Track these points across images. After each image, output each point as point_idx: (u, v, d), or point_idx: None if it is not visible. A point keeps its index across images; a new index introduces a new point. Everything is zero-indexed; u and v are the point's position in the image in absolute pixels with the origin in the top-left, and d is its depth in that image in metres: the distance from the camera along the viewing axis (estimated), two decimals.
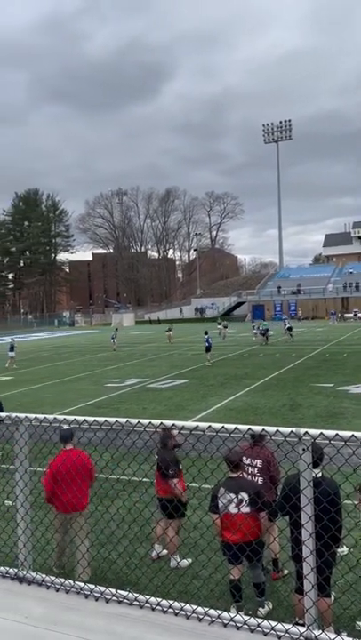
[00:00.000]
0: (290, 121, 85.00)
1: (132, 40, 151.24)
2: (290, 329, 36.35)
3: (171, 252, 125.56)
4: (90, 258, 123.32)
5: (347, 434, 2.83)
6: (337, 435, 2.85)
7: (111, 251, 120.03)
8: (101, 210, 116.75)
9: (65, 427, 4.58)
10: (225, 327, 40.95)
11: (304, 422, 12.77)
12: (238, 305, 73.70)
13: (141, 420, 3.32)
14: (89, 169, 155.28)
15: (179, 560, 5.77)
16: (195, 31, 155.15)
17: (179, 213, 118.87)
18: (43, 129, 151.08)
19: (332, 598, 4.59)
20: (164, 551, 6.16)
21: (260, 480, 5.69)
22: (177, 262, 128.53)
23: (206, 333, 26.35)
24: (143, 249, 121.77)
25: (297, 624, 3.19)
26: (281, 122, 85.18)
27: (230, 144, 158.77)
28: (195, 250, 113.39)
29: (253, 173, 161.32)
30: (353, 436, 2.81)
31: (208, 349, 25.23)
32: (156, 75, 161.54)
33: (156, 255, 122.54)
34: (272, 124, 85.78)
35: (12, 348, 27.60)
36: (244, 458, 5.83)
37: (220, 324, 46.18)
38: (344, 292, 66.25)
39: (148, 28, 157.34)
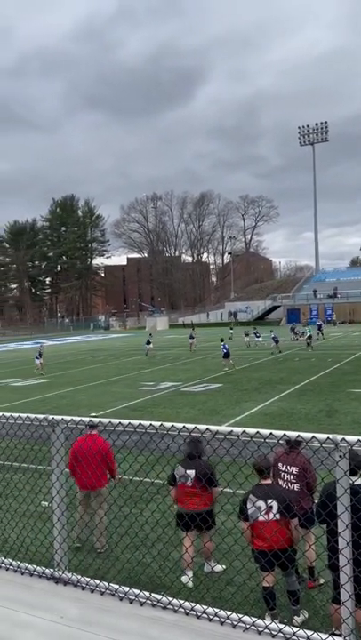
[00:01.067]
0: (326, 123, 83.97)
1: (166, 45, 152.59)
2: (310, 337, 33.03)
3: (205, 255, 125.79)
4: (125, 262, 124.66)
5: None
6: None
7: (146, 255, 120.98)
8: (136, 215, 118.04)
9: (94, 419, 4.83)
10: (257, 336, 35.52)
11: (341, 429, 12.52)
12: (273, 309, 73.03)
13: (175, 424, 3.33)
14: (124, 174, 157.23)
15: (213, 565, 5.72)
16: (228, 34, 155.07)
17: (213, 217, 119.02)
18: (78, 136, 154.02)
19: None
20: (218, 567, 5.82)
21: (295, 487, 5.60)
22: (211, 266, 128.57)
23: (222, 340, 26.36)
24: (177, 253, 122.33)
25: (333, 634, 3.12)
26: (317, 124, 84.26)
27: (265, 147, 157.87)
28: (229, 253, 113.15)
29: (288, 176, 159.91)
30: None
31: (226, 356, 25.05)
32: (189, 79, 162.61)
33: (190, 259, 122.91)
34: (308, 126, 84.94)
35: (39, 355, 27.10)
36: (279, 464, 5.77)
37: (231, 328, 46.39)
38: None
39: (181, 32, 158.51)
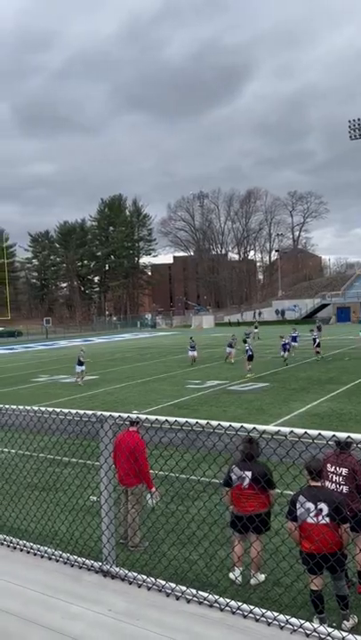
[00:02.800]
0: None
1: (210, 43, 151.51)
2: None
3: (251, 253, 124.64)
4: (171, 261, 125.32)
5: None
6: None
7: (192, 253, 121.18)
8: (183, 213, 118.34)
9: (137, 416, 4.76)
10: (319, 329, 32.10)
11: None
12: (322, 307, 71.55)
13: (222, 423, 3.32)
14: (169, 173, 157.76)
15: (261, 579, 5.62)
16: (273, 29, 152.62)
17: (260, 214, 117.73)
18: (123, 136, 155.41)
19: None
20: (260, 576, 5.62)
21: (345, 489, 5.47)
22: (258, 264, 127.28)
23: (245, 342, 23.92)
24: (223, 251, 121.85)
25: None
26: None
27: (312, 142, 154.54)
28: (276, 251, 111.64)
29: (338, 171, 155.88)
30: None
31: (250, 358, 22.77)
32: (234, 76, 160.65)
33: (236, 257, 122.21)
34: (358, 119, 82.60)
35: (80, 363, 22.11)
36: (328, 465, 5.64)
37: (256, 327, 44.05)
38: None
39: (225, 29, 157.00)
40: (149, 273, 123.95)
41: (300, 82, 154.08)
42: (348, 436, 3.09)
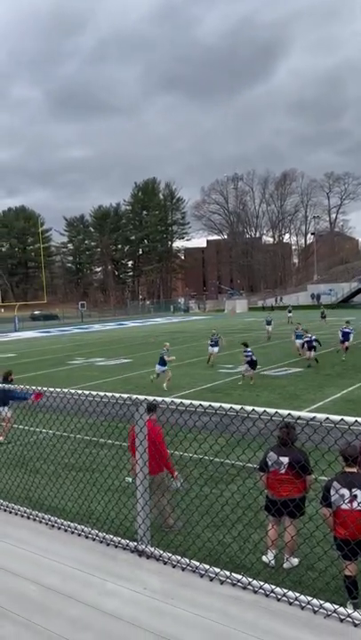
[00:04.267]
0: None
1: (244, 20, 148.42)
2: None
3: (286, 236, 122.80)
4: (204, 245, 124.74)
5: None
6: None
7: (225, 237, 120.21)
8: (216, 196, 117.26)
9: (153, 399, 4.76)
10: (290, 312, 36.36)
11: None
12: (359, 291, 70.09)
13: (256, 408, 3.32)
14: (204, 155, 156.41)
15: (295, 563, 5.64)
16: (309, 4, 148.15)
17: (296, 196, 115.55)
18: (157, 117, 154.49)
19: None
20: (294, 560, 5.65)
21: None
22: (293, 247, 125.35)
23: (247, 346, 18.23)
24: (258, 234, 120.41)
25: None
26: None
27: (350, 120, 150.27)
28: (312, 234, 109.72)
29: None
30: None
31: (252, 365, 17.54)
32: (269, 53, 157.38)
33: (270, 240, 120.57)
34: None
35: (162, 362, 17.59)
36: None
37: (290, 311, 43.34)
38: None
39: (260, 5, 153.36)
40: (183, 257, 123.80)
41: (337, 57, 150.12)
42: None
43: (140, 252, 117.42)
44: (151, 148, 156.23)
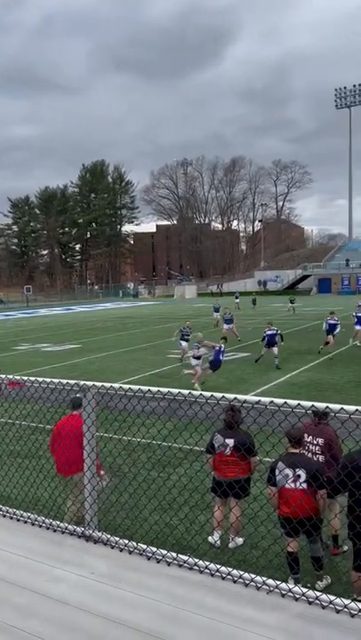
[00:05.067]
0: None
1: (193, 3, 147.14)
2: None
3: (235, 223, 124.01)
4: (154, 229, 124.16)
5: None
6: None
7: (175, 222, 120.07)
8: (166, 180, 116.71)
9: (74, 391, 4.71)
10: (291, 302, 37.78)
11: None
12: (304, 278, 71.97)
13: (203, 393, 3.37)
14: (153, 138, 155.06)
15: (239, 542, 5.81)
16: None
17: (244, 183, 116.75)
18: (106, 99, 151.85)
19: None
20: (238, 540, 5.80)
21: (321, 458, 5.63)
22: (241, 234, 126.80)
23: (227, 320, 19.24)
24: (207, 220, 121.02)
25: (356, 600, 3.18)
26: (355, 85, 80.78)
27: (297, 110, 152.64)
28: (260, 221, 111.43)
29: (323, 140, 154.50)
30: None
31: (215, 366, 15.05)
32: (218, 39, 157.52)
33: (219, 227, 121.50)
34: (345, 87, 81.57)
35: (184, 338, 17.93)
36: (305, 435, 5.78)
37: (236, 297, 43.88)
38: None
39: None
40: (132, 241, 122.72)
41: (285, 46, 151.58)
42: (327, 407, 3.16)
43: (89, 236, 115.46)
44: (99, 130, 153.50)
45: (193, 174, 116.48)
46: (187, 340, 18.50)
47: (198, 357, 14.84)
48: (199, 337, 15.73)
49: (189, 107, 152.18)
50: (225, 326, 24.26)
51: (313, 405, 3.29)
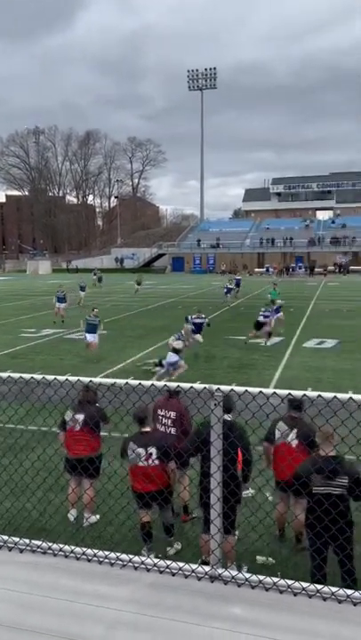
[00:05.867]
0: (215, 69, 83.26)
1: None
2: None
3: (90, 198, 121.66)
4: (3, 199, 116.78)
5: (255, 390, 3.02)
6: (246, 391, 3.03)
7: (27, 193, 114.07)
8: (16, 148, 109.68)
9: None
10: (138, 283, 36.34)
11: (218, 373, 13.29)
12: (159, 256, 73.58)
13: (58, 377, 3.33)
14: (1, 101, 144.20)
15: (94, 521, 5.90)
16: None
17: (100, 157, 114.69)
18: None
19: (236, 537, 4.98)
20: (92, 518, 5.89)
21: (172, 431, 5.92)
22: (97, 209, 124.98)
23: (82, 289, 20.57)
24: (61, 193, 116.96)
25: (203, 563, 3.44)
26: (206, 69, 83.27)
27: (151, 86, 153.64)
28: (115, 197, 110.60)
29: (176, 120, 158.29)
30: (261, 392, 3.01)
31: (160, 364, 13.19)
32: (70, 2, 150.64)
33: (74, 200, 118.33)
34: (197, 70, 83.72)
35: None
36: (159, 410, 6.03)
37: (95, 274, 42.79)
38: (260, 247, 68.01)
39: None
40: None
41: (140, 20, 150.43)
42: (178, 385, 3.34)
43: None
44: None
45: (45, 144, 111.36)
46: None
47: (178, 351, 13.00)
48: (187, 329, 15.80)
49: (41, 71, 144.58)
50: (59, 305, 22.67)
51: (165, 385, 3.45)
